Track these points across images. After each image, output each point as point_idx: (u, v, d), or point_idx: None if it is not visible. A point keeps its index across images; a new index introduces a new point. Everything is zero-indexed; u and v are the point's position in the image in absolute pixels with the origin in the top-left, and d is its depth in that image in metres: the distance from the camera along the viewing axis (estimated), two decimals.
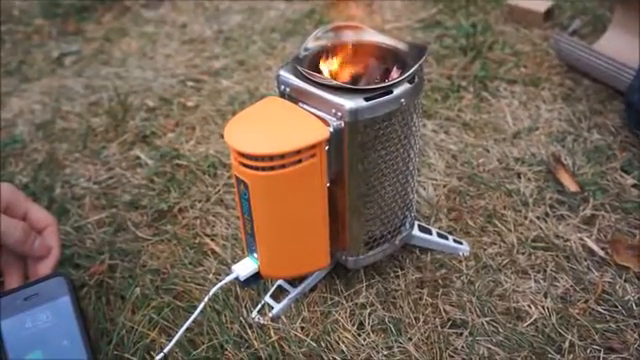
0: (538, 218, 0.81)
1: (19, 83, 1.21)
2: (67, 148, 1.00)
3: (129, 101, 1.10)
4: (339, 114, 0.58)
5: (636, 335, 0.65)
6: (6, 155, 0.99)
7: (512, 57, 1.17)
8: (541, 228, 0.79)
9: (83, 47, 1.33)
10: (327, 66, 0.65)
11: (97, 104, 1.12)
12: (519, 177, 0.88)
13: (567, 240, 0.77)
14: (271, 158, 0.56)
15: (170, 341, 0.62)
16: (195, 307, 0.64)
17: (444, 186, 0.87)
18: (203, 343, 0.66)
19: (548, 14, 1.28)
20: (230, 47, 1.29)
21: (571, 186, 0.85)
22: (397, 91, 0.59)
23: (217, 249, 0.78)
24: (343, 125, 0.58)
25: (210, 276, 0.74)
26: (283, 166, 0.57)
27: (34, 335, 0.61)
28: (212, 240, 0.80)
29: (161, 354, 0.62)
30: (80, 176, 0.94)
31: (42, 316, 0.63)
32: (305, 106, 0.61)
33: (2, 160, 0.98)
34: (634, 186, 0.85)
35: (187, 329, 0.63)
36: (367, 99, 0.58)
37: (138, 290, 0.72)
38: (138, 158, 0.97)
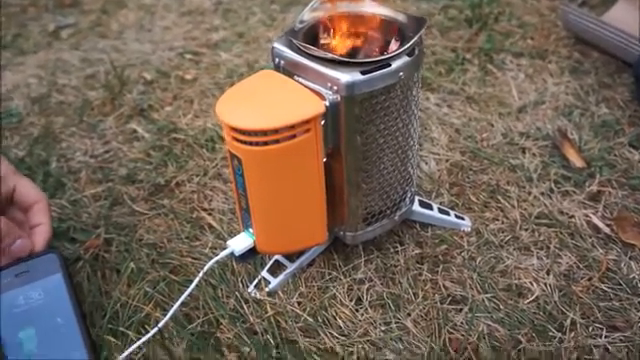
0: (542, 194, 0.79)
1: (14, 57, 1.19)
2: (63, 122, 0.99)
3: (126, 74, 1.08)
4: (335, 88, 0.56)
5: None
6: (2, 129, 0.98)
7: (519, 29, 1.14)
8: (545, 204, 0.77)
9: (80, 19, 1.31)
10: (323, 39, 0.63)
11: (94, 77, 1.10)
12: (524, 152, 0.86)
13: (572, 217, 0.76)
14: (265, 133, 0.54)
15: (165, 315, 0.62)
16: (191, 281, 0.63)
17: (446, 161, 0.85)
18: (198, 317, 0.65)
19: None
20: (229, 19, 1.26)
21: (577, 161, 0.83)
22: (395, 64, 0.57)
23: (214, 223, 0.77)
24: (339, 99, 0.56)
25: (206, 250, 0.73)
26: (277, 141, 0.55)
27: (26, 312, 0.61)
28: (209, 214, 0.79)
29: (156, 328, 0.62)
30: (76, 150, 0.92)
31: (34, 293, 0.62)
32: (300, 79, 0.59)
33: None
34: None
35: (182, 303, 0.62)
36: (364, 72, 0.56)
37: (133, 264, 0.71)
38: (135, 132, 0.95)
